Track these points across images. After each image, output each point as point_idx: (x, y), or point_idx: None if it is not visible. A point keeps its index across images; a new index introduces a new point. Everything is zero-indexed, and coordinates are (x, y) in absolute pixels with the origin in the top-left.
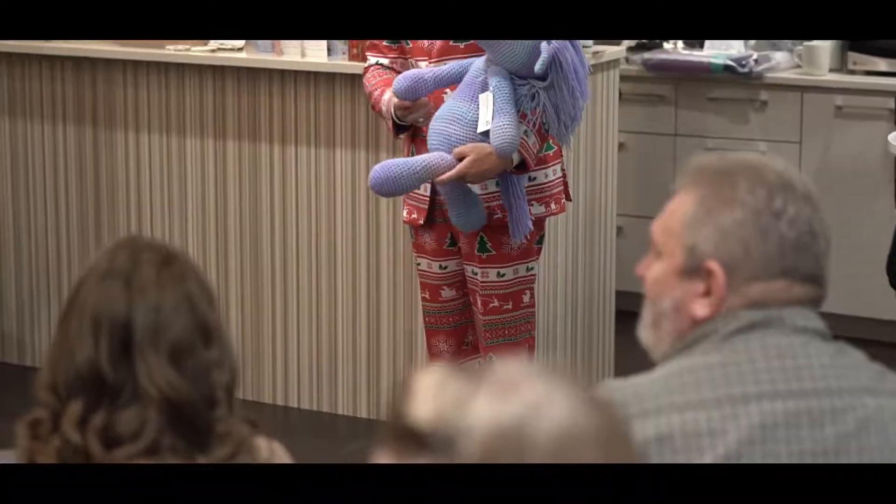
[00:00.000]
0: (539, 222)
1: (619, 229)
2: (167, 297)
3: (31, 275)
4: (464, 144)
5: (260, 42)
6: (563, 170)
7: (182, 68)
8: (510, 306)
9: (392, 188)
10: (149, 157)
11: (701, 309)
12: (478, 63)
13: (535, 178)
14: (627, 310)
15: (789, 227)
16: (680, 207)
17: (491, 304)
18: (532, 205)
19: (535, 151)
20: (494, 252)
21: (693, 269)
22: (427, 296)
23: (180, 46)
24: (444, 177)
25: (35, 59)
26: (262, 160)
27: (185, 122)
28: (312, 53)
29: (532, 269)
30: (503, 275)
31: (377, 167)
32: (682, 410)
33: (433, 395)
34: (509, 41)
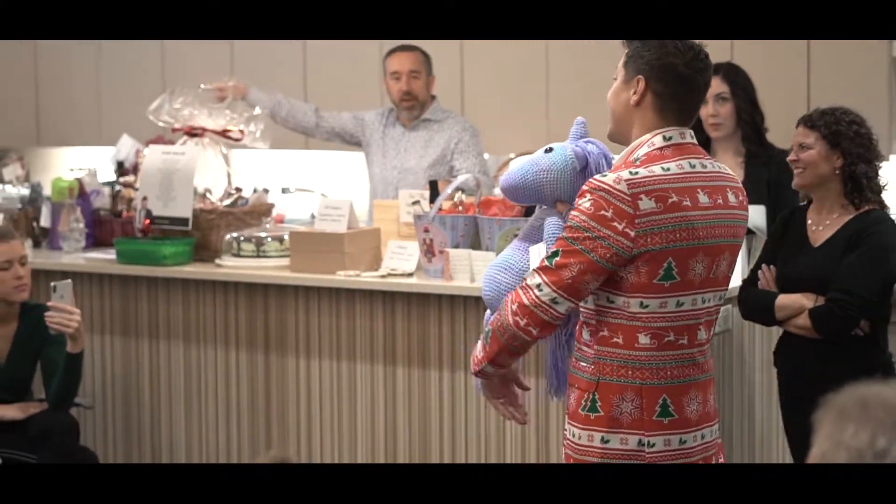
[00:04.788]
0: None
1: None
2: None
3: None
4: (511, 292)
5: (430, 267)
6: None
7: (353, 294)
8: None
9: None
10: (319, 381)
11: None
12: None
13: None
14: None
15: None
16: (813, 448)
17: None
18: None
19: None
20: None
21: None
22: None
23: (350, 272)
24: None
25: (209, 285)
26: (432, 386)
27: (355, 347)
28: (481, 279)
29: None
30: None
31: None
32: None
33: None
34: (550, 178)
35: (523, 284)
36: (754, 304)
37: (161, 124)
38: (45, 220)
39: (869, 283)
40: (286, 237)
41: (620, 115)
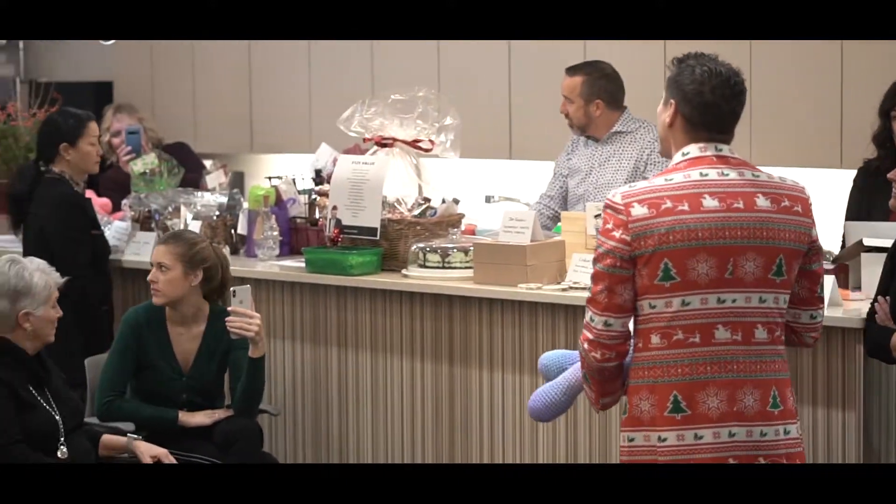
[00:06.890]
0: None
1: None
2: None
3: None
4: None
5: None
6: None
7: (535, 306)
8: None
9: (551, 414)
10: (501, 393)
11: None
12: None
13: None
14: None
15: None
16: None
17: None
18: None
19: None
20: None
21: None
22: None
23: (532, 285)
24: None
25: (396, 295)
26: None
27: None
28: None
29: None
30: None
31: (534, 398)
32: None
33: None
34: None
35: (584, 323)
36: (873, 341)
37: (352, 134)
38: (241, 228)
39: None
40: (471, 248)
41: (662, 134)
